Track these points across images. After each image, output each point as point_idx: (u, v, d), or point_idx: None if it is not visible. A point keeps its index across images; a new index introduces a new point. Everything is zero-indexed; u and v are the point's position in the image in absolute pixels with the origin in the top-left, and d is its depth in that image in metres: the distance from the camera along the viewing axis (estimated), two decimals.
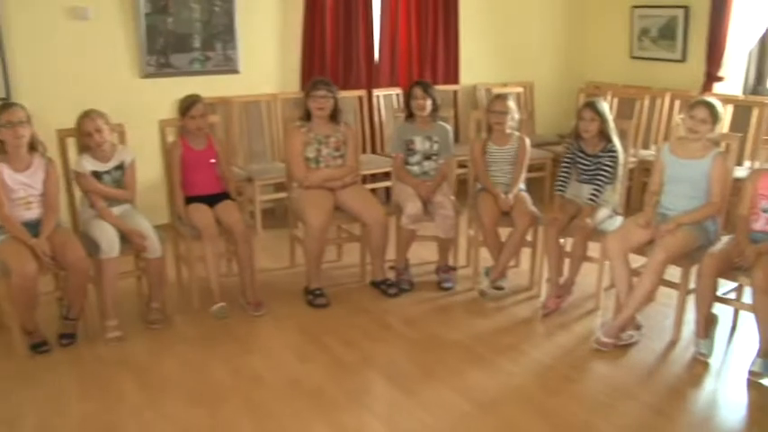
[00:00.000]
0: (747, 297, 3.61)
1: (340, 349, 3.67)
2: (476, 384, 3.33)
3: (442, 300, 4.33)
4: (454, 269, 4.57)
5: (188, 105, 4.07)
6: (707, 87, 6.13)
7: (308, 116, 4.31)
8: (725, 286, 3.70)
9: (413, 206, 4.23)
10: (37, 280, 3.48)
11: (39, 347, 3.64)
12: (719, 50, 6.01)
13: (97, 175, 3.83)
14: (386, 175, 5.81)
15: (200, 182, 4.11)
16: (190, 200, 4.08)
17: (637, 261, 3.78)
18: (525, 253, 4.52)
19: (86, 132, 3.78)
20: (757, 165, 5.22)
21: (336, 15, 5.91)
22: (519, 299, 4.33)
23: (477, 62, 6.82)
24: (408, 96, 4.46)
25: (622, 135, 4.18)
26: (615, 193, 4.18)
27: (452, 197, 4.47)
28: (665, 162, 3.78)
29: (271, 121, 5.77)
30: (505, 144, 4.36)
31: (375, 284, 4.41)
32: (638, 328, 3.75)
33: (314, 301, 4.18)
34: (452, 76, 6.61)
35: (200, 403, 3.17)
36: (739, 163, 5.00)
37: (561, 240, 4.09)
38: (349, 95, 5.80)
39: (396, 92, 6.28)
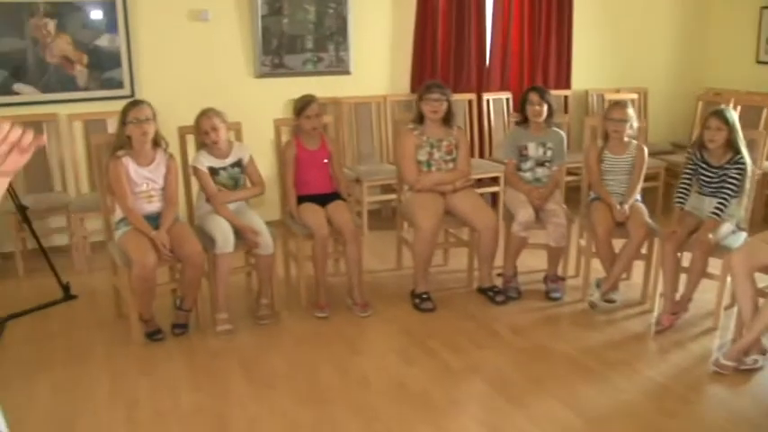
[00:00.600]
0: None
1: (446, 354, 3.64)
2: (586, 399, 3.22)
3: (550, 310, 4.23)
4: (563, 279, 4.46)
5: (303, 105, 4.12)
6: None
7: (420, 119, 4.30)
8: None
9: (525, 213, 4.15)
10: (156, 271, 3.61)
11: (154, 335, 3.78)
12: None
13: (214, 171, 3.94)
14: (493, 181, 5.74)
15: (313, 181, 4.16)
16: (302, 199, 4.14)
17: (763, 280, 3.57)
18: (637, 265, 4.35)
19: (203, 130, 3.90)
20: None
21: (448, 18, 5.88)
22: (630, 313, 4.17)
23: (589, 66, 6.63)
24: (523, 101, 4.37)
25: (751, 146, 3.97)
26: (740, 208, 3.96)
27: (563, 205, 4.37)
28: None
29: (380, 123, 5.80)
30: (622, 153, 4.22)
31: (482, 291, 4.35)
32: (763, 352, 3.52)
33: (420, 304, 4.16)
34: (564, 81, 6.45)
35: (308, 401, 3.20)
36: None
37: (678, 255, 3.92)
38: (459, 99, 5.74)
39: (506, 96, 6.19)
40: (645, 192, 4.94)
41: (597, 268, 4.29)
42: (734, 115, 3.85)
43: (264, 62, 5.42)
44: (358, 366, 3.54)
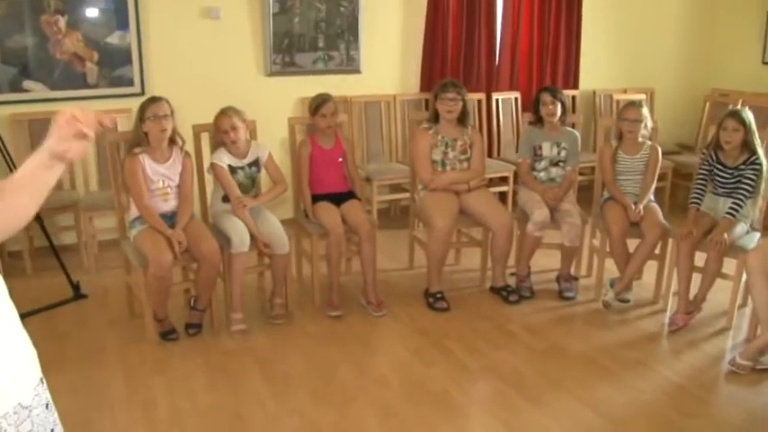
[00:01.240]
0: None
1: (463, 354, 3.63)
2: (604, 398, 3.22)
3: (563, 309, 4.23)
4: (576, 278, 4.46)
5: (319, 104, 4.11)
6: None
7: (435, 118, 4.29)
8: None
9: (540, 213, 4.15)
10: (171, 270, 3.59)
11: (168, 335, 3.76)
12: None
13: (232, 170, 3.92)
14: (502, 180, 5.74)
15: (328, 180, 4.15)
16: (316, 198, 4.12)
17: None
18: (649, 265, 4.35)
19: (223, 129, 3.87)
20: None
21: (459, 18, 5.88)
22: (643, 312, 4.18)
23: (596, 67, 6.64)
24: (536, 102, 4.37)
25: None
26: (755, 208, 3.97)
27: (577, 205, 4.37)
28: None
29: (390, 122, 5.79)
30: (636, 153, 4.22)
31: (495, 290, 4.34)
32: None
33: (434, 304, 4.15)
34: (572, 81, 6.46)
35: (326, 401, 3.19)
36: None
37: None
38: (468, 98, 5.73)
39: (515, 95, 6.19)
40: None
41: (609, 268, 4.29)
42: (750, 116, 3.86)
43: (275, 60, 5.40)
44: (376, 366, 3.53)
